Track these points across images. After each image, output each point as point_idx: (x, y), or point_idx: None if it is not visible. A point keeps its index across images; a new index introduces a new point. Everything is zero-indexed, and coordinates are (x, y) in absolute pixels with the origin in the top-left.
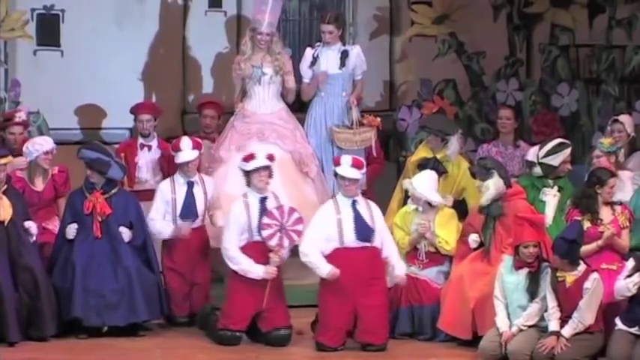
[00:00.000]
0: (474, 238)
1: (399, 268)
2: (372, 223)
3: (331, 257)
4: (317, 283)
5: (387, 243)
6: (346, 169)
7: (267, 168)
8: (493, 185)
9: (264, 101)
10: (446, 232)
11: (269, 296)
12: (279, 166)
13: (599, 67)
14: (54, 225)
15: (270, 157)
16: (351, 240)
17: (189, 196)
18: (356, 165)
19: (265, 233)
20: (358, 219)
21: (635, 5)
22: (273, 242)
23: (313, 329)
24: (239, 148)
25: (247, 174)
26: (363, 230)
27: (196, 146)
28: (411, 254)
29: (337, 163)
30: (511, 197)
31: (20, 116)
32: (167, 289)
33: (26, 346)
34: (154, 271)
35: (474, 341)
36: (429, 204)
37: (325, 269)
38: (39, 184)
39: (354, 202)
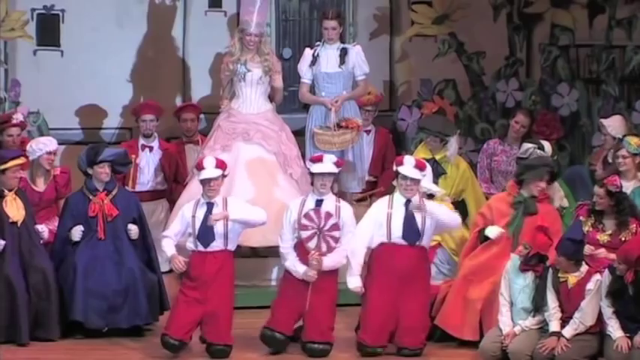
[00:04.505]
0: (495, 232)
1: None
2: (422, 224)
3: (377, 251)
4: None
5: (447, 225)
6: (409, 169)
7: (332, 174)
8: (559, 188)
9: (250, 101)
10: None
11: (312, 302)
12: (263, 167)
13: (599, 67)
14: (54, 225)
15: (338, 164)
16: (397, 237)
17: (207, 218)
18: (419, 166)
19: (304, 234)
20: (409, 219)
21: (635, 5)
22: (312, 244)
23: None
24: (224, 148)
25: (312, 175)
26: (411, 231)
27: (220, 165)
28: None
29: (400, 162)
30: (543, 198)
31: (17, 117)
32: (173, 307)
33: (26, 346)
34: (155, 270)
35: (473, 341)
36: (428, 196)
37: (355, 281)
38: (40, 185)
39: (408, 202)
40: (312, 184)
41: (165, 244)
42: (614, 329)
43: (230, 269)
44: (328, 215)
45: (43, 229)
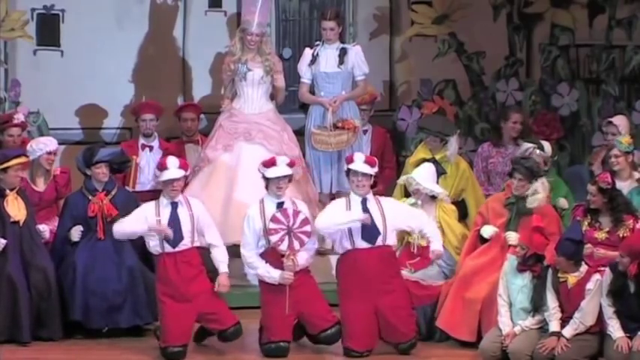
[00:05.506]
0: (489, 231)
1: (434, 244)
2: (382, 223)
3: (344, 258)
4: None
5: (414, 220)
6: (359, 164)
7: (287, 177)
8: (542, 189)
9: (252, 101)
10: (450, 227)
11: (299, 298)
12: None
13: (599, 67)
14: (54, 225)
15: (291, 164)
16: (359, 240)
17: (174, 218)
18: (369, 162)
19: (274, 238)
20: None
21: (635, 5)
22: (283, 246)
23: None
24: (226, 147)
25: (266, 179)
26: (370, 232)
27: (183, 166)
28: (401, 256)
29: (350, 160)
30: None
31: (18, 118)
32: (162, 319)
33: (26, 345)
34: (155, 270)
35: (473, 341)
36: (430, 197)
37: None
38: (40, 185)
39: (364, 201)
40: (266, 188)
41: (123, 226)
42: (615, 329)
43: (201, 262)
44: (296, 212)
45: (45, 229)
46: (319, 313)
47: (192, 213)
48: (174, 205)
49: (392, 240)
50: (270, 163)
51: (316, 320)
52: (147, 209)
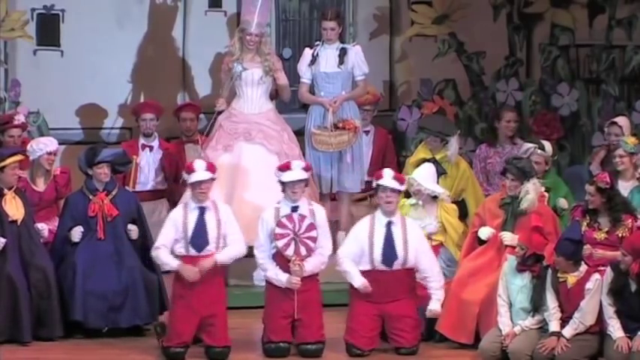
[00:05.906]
0: (486, 233)
1: (433, 303)
2: (403, 248)
3: (362, 274)
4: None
5: (429, 263)
6: (388, 180)
7: (302, 181)
8: (533, 190)
9: (252, 101)
10: (452, 226)
11: (299, 307)
12: (265, 167)
13: (599, 67)
14: (54, 225)
15: (307, 168)
16: (378, 263)
17: (201, 223)
18: (397, 178)
19: (280, 243)
20: (388, 243)
21: (635, 5)
22: (289, 252)
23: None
24: (226, 148)
25: (282, 184)
26: (389, 256)
27: (210, 169)
28: None
29: (379, 176)
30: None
31: (19, 119)
32: (170, 317)
33: (26, 345)
34: (155, 270)
35: (471, 344)
36: (432, 197)
37: (358, 281)
38: (40, 185)
39: (389, 223)
40: (283, 191)
41: (162, 256)
42: (615, 329)
43: (222, 271)
44: (302, 217)
45: (43, 227)
46: (310, 324)
47: (220, 218)
48: (202, 210)
49: (410, 264)
50: (285, 168)
51: (304, 330)
52: (175, 215)
